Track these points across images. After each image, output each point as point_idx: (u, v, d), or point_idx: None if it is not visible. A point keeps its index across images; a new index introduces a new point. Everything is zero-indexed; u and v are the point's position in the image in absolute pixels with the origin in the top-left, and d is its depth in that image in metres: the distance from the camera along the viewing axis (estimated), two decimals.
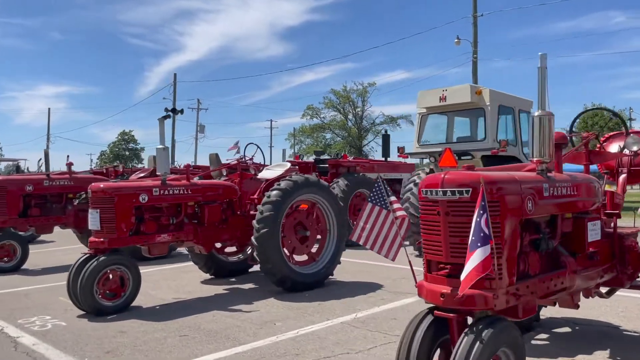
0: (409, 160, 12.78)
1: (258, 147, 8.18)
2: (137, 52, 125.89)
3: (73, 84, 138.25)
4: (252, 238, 6.97)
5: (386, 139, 14.23)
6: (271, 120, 73.08)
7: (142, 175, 11.26)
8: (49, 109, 64.15)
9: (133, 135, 79.86)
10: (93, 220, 6.31)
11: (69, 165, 10.40)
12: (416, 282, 3.18)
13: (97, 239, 6.30)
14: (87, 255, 6.32)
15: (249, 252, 8.59)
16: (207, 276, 8.42)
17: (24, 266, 9.54)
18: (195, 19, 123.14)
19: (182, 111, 43.23)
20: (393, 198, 3.46)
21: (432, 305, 3.06)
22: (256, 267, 8.68)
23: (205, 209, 7.15)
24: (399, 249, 3.57)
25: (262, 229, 6.87)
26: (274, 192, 7.08)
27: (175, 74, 45.00)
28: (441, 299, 2.92)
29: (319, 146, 59.62)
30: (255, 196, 7.98)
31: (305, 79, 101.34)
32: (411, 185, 10.28)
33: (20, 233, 10.15)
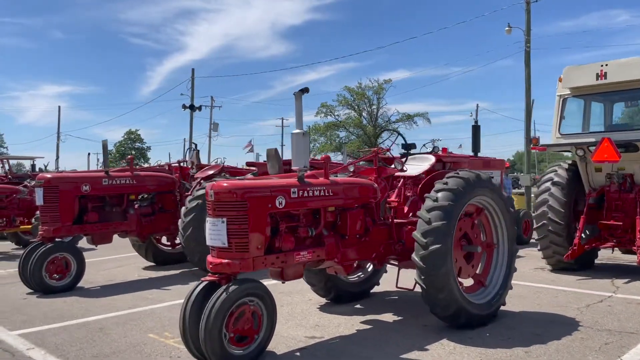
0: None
1: (399, 134, 6.19)
2: (139, 52, 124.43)
3: (75, 83, 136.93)
4: (415, 257, 5.10)
5: (476, 130, 12.29)
6: (282, 119, 70.97)
7: (211, 172, 9.42)
8: (59, 106, 61.60)
9: (139, 135, 78.21)
10: (216, 233, 4.44)
11: (130, 160, 8.47)
12: None
13: (221, 260, 4.43)
14: (207, 282, 4.46)
15: (370, 270, 6.77)
16: (318, 298, 6.58)
17: (79, 284, 7.67)
18: (197, 18, 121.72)
19: (200, 108, 41.55)
20: None
21: None
22: (376, 288, 6.87)
23: (347, 216, 5.28)
24: None
25: (431, 244, 5.00)
26: (442, 194, 5.21)
27: (193, 69, 43.11)
28: None
29: (333, 145, 57.48)
30: (394, 198, 6.14)
31: (309, 77, 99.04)
32: (548, 184, 8.41)
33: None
